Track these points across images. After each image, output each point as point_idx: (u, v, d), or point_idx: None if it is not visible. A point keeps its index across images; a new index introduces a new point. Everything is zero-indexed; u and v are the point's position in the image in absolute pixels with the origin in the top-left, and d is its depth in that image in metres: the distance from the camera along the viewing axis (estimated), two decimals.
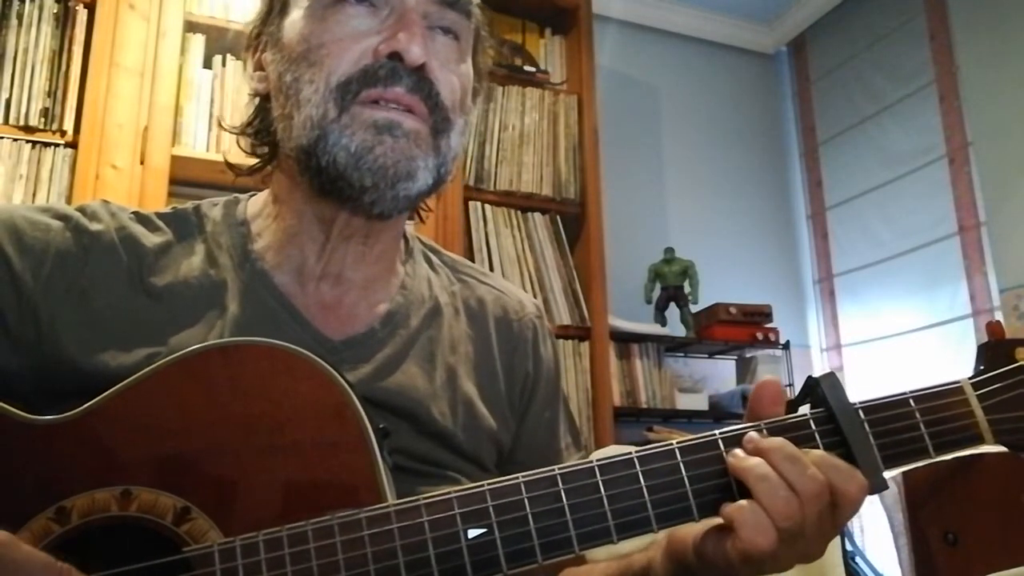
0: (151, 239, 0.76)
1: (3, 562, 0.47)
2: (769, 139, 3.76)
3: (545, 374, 0.89)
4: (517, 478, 0.58)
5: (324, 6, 0.72)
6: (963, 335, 2.88)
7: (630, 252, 3.06)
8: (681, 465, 0.59)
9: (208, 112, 2.18)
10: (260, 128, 0.81)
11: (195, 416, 0.60)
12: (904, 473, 1.92)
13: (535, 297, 2.35)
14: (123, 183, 2.00)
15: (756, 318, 3.03)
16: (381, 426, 0.62)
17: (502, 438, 0.83)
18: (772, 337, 3.03)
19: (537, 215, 2.62)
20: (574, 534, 0.57)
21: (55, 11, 2.10)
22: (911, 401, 0.61)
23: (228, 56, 2.23)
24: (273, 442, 0.60)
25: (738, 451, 0.59)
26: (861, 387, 3.21)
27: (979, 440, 0.60)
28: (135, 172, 2.02)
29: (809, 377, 0.62)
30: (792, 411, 0.62)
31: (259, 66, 0.79)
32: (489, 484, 0.58)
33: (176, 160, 2.07)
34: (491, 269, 2.42)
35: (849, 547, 2.63)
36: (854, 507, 0.58)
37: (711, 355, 3.19)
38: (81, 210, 0.75)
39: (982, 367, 0.62)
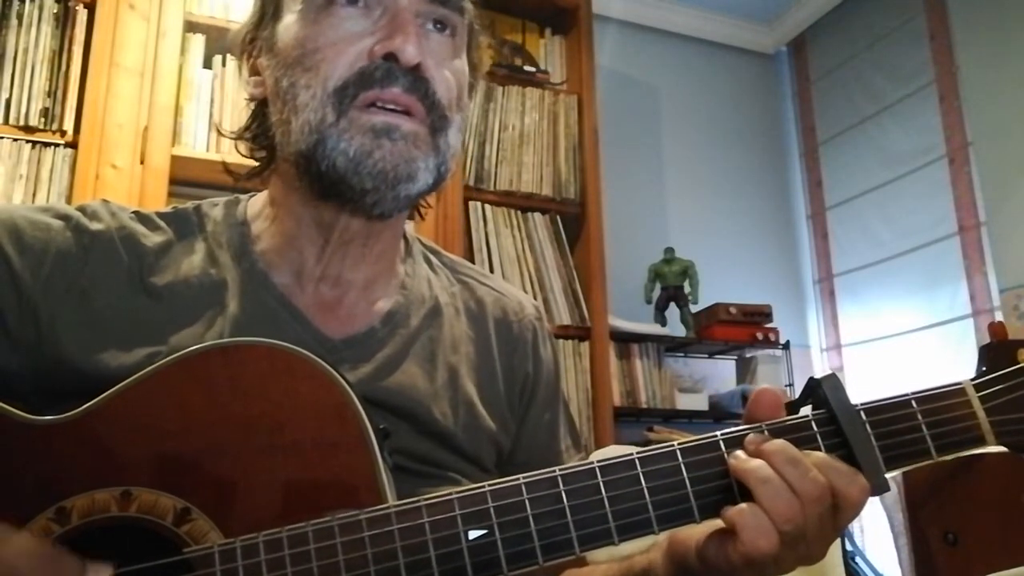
0: (151, 238, 0.76)
1: None
2: (769, 139, 3.76)
3: (545, 375, 0.89)
4: (518, 479, 0.58)
5: (317, 9, 0.72)
6: (963, 335, 2.88)
7: (630, 252, 3.06)
8: (682, 466, 0.59)
9: (208, 112, 2.18)
10: (258, 133, 0.81)
11: (195, 416, 0.60)
12: (904, 473, 1.92)
13: (535, 297, 2.35)
14: (123, 183, 2.00)
15: (756, 318, 3.03)
16: (382, 427, 0.62)
17: (501, 439, 0.83)
18: (772, 337, 3.03)
19: (537, 215, 2.62)
20: (575, 535, 0.57)
21: (55, 11, 2.09)
22: (913, 402, 0.61)
23: (228, 56, 2.22)
24: (273, 442, 0.60)
25: (739, 453, 0.59)
26: (861, 387, 3.21)
27: (981, 441, 0.60)
28: (135, 172, 2.02)
29: (811, 378, 0.62)
30: (794, 412, 0.62)
31: (255, 71, 0.79)
32: (490, 485, 0.58)
33: (176, 160, 2.07)
34: (491, 269, 2.42)
35: (849, 547, 2.64)
36: (856, 509, 0.58)
37: (711, 355, 3.18)
38: (81, 210, 0.75)
39: (984, 368, 0.62)
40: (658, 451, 0.59)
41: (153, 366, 0.61)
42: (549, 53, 2.85)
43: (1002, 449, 0.61)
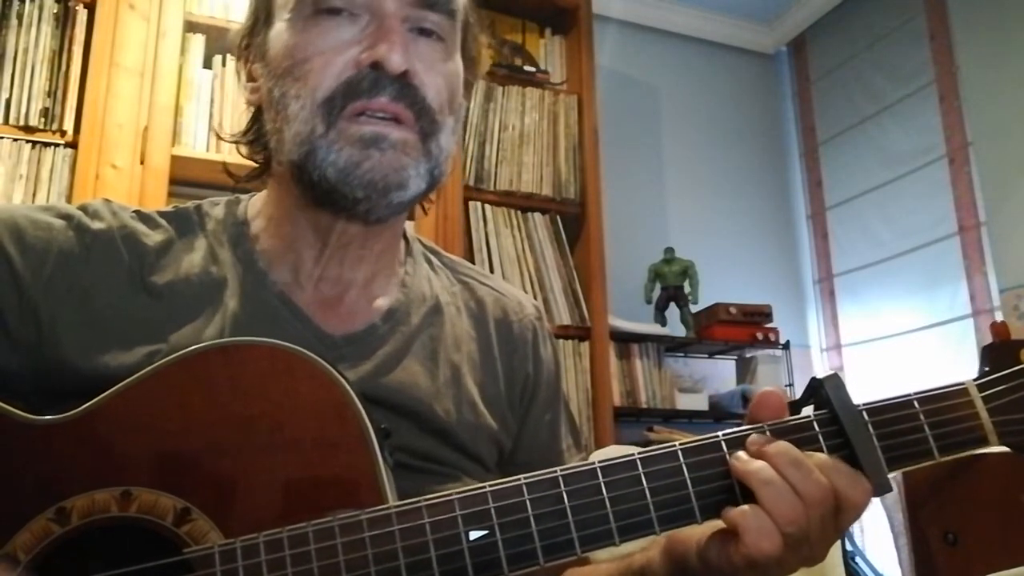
0: (152, 237, 0.76)
1: None
2: (769, 139, 3.76)
3: (546, 375, 0.89)
4: (519, 479, 0.58)
5: (305, 18, 0.72)
6: (963, 335, 2.88)
7: (630, 252, 3.06)
8: (684, 467, 0.59)
9: (208, 112, 2.18)
10: (256, 137, 0.81)
11: (195, 416, 0.60)
12: (904, 473, 1.92)
13: (535, 297, 2.35)
14: (123, 183, 2.00)
15: (756, 318, 3.03)
16: (383, 426, 0.62)
17: (502, 439, 0.83)
18: (772, 337, 3.03)
19: (537, 215, 2.62)
20: (576, 536, 0.57)
21: (55, 11, 2.09)
22: (915, 403, 0.61)
23: (228, 56, 2.22)
24: (273, 442, 0.60)
25: (741, 454, 0.59)
26: (861, 387, 3.21)
27: (984, 442, 0.60)
28: (135, 172, 2.02)
29: (813, 378, 0.62)
30: (796, 412, 0.62)
31: (251, 77, 0.80)
32: (491, 485, 0.58)
33: (176, 160, 2.07)
34: (491, 269, 2.42)
35: (849, 547, 2.64)
36: (858, 512, 0.58)
37: (711, 355, 3.18)
38: (83, 209, 0.75)
39: (987, 368, 0.62)
40: (659, 451, 0.59)
41: (153, 366, 0.61)
42: (549, 53, 2.85)
43: (1004, 449, 0.60)
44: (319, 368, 0.61)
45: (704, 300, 3.04)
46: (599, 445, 2.39)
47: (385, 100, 0.70)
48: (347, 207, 0.72)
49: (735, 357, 3.21)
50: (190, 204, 0.82)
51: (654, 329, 2.94)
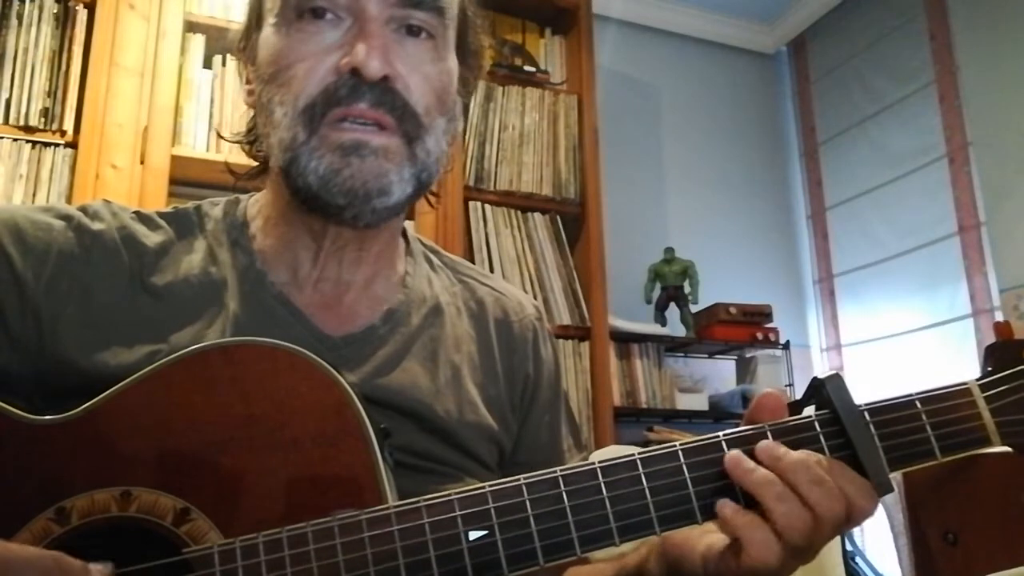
0: (152, 238, 0.76)
1: None
2: (769, 139, 3.76)
3: (546, 376, 0.89)
4: (519, 479, 0.58)
5: (288, 22, 0.72)
6: (963, 335, 2.88)
7: (630, 252, 3.06)
8: (684, 467, 0.59)
9: (208, 112, 2.18)
10: (256, 138, 0.81)
11: (195, 416, 0.60)
12: (904, 473, 1.92)
13: (535, 297, 2.35)
14: (123, 183, 1.99)
15: (756, 318, 3.03)
16: (383, 426, 0.62)
17: (503, 439, 0.83)
18: (772, 337, 3.03)
19: (537, 215, 2.62)
20: (576, 536, 0.56)
21: (55, 11, 2.09)
22: (917, 403, 0.61)
23: (228, 56, 2.22)
24: (273, 442, 0.59)
25: (749, 463, 0.58)
26: (861, 387, 3.21)
27: (987, 442, 0.60)
28: (135, 172, 2.02)
29: (814, 378, 0.62)
30: (797, 412, 0.62)
31: (248, 79, 0.80)
32: (491, 485, 0.57)
33: (176, 160, 2.07)
34: (491, 269, 2.42)
35: (849, 547, 2.63)
36: (865, 519, 0.58)
37: (711, 355, 3.18)
38: (83, 210, 0.75)
39: (990, 368, 0.62)
40: (660, 451, 0.59)
41: (153, 365, 0.61)
42: (549, 53, 2.85)
43: (1006, 449, 0.60)
44: (319, 368, 0.61)
45: (704, 300, 3.04)
46: (599, 445, 2.39)
47: (364, 106, 0.69)
48: (333, 212, 0.72)
49: (735, 357, 3.21)
50: (190, 205, 0.82)
51: (654, 329, 2.94)
